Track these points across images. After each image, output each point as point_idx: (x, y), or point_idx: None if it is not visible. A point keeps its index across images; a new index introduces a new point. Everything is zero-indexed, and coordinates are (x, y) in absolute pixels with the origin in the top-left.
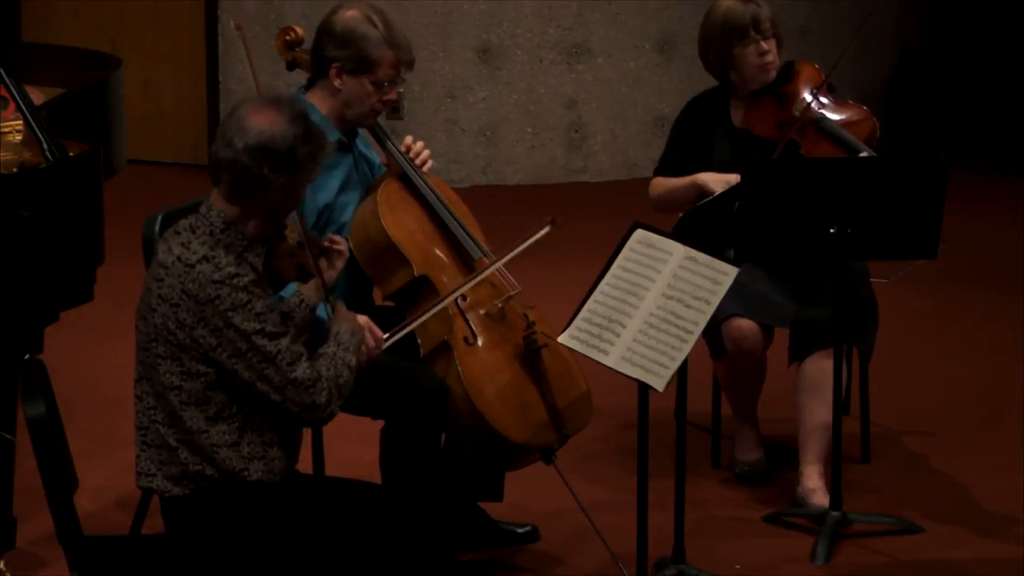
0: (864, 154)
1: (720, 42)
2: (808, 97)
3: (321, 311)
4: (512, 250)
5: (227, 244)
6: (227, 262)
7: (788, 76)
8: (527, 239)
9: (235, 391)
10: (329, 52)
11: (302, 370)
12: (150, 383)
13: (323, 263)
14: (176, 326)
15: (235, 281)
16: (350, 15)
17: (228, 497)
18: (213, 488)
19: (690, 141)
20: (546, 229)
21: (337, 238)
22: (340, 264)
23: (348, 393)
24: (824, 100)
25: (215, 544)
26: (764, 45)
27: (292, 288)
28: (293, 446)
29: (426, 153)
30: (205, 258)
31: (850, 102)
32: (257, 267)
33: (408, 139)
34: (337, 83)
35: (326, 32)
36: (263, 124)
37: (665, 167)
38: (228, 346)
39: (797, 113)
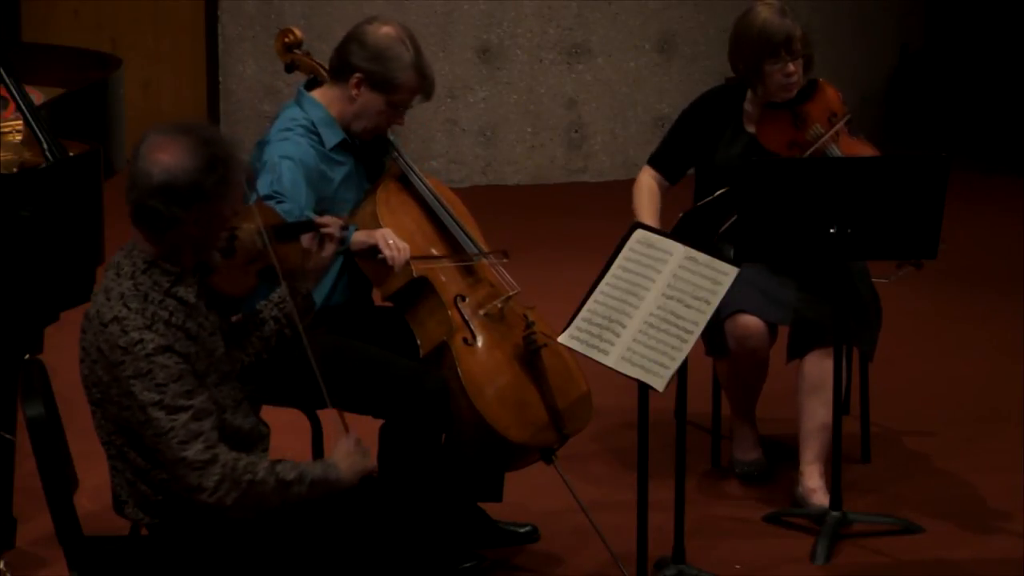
0: None
1: (751, 54)
2: (824, 127)
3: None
4: (468, 259)
5: (150, 286)
6: (134, 325)
7: (809, 94)
8: (483, 254)
9: None
10: (355, 61)
11: (195, 451)
12: (97, 420)
13: (313, 246)
14: (96, 380)
15: (137, 349)
16: (385, 31)
17: (196, 522)
18: (180, 515)
19: (693, 136)
20: (503, 260)
21: (328, 220)
22: (331, 248)
23: (257, 500)
24: (840, 134)
25: (200, 561)
26: (791, 66)
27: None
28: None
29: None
30: (116, 318)
31: (864, 140)
32: (188, 299)
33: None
34: (354, 92)
35: (357, 40)
36: (164, 162)
37: (659, 158)
38: (133, 413)
39: (811, 139)
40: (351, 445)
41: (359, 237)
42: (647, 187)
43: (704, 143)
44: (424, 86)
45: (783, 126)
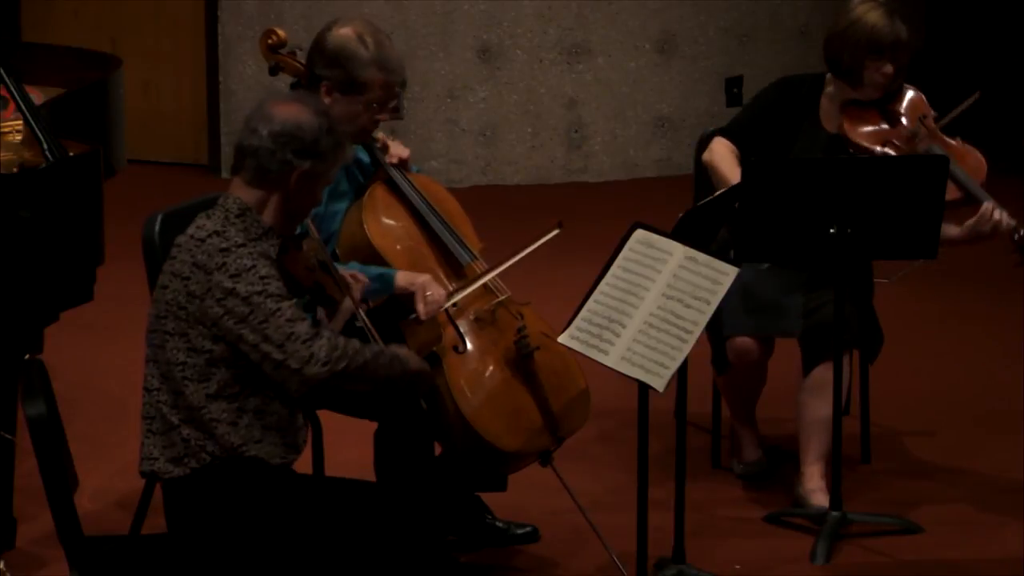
0: (976, 195)
1: (855, 44)
2: (923, 125)
3: None
4: (524, 249)
5: (240, 228)
6: (235, 235)
7: (895, 95)
8: (536, 240)
9: (238, 370)
10: (319, 70)
11: (303, 327)
12: (156, 364)
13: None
14: (186, 300)
15: (240, 250)
16: (342, 33)
17: (227, 476)
18: (212, 467)
19: (773, 123)
20: (554, 232)
21: (357, 274)
22: (355, 295)
23: (361, 368)
24: (935, 135)
25: (213, 527)
26: (888, 67)
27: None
28: (294, 435)
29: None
30: (216, 232)
31: (963, 142)
32: (270, 254)
33: (380, 135)
34: (327, 100)
35: (318, 49)
36: (289, 113)
37: (734, 133)
38: (233, 314)
39: (909, 136)
40: (402, 346)
41: (401, 282)
42: (728, 149)
43: (780, 135)
44: (391, 77)
45: (875, 123)
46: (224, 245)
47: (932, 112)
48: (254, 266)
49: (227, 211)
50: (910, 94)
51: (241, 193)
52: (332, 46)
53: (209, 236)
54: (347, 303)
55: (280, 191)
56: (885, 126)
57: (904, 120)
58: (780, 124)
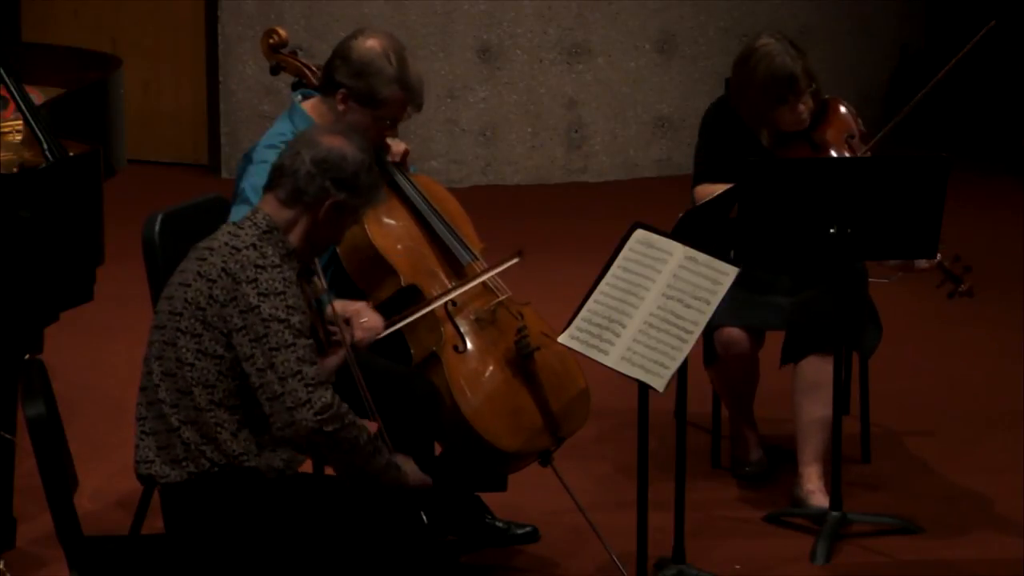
0: None
1: (756, 101)
2: (844, 149)
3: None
4: (480, 275)
5: (271, 245)
6: (273, 253)
7: (821, 117)
8: (496, 267)
9: (243, 383)
10: (339, 77)
11: (312, 370)
12: (160, 362)
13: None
14: (207, 302)
15: (276, 272)
16: (369, 45)
17: (225, 482)
18: (211, 472)
19: (727, 149)
20: (514, 260)
21: (337, 330)
22: (347, 343)
23: (349, 446)
24: (862, 152)
25: (211, 531)
26: (801, 105)
27: None
28: (292, 451)
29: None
30: (253, 246)
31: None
32: (291, 278)
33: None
34: (341, 108)
35: (342, 56)
36: (334, 144)
37: (708, 176)
38: (251, 330)
39: None
40: (410, 460)
41: (336, 308)
42: (712, 186)
43: (733, 154)
44: (411, 98)
45: (803, 155)
46: (261, 262)
47: (859, 129)
48: (284, 292)
49: (256, 225)
50: (836, 113)
51: (271, 210)
52: (358, 57)
53: (247, 248)
54: (338, 354)
55: (310, 215)
56: (813, 155)
57: (831, 144)
58: (731, 146)
